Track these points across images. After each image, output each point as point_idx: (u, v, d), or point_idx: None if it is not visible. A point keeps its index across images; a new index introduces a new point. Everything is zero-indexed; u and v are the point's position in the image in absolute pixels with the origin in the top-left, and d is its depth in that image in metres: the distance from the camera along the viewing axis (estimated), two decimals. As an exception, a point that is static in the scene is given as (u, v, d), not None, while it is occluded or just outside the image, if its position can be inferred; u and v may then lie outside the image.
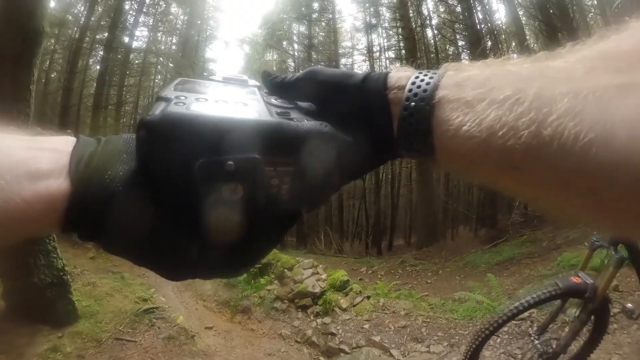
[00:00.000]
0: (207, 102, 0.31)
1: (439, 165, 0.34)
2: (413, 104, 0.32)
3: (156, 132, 0.27)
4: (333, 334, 5.13)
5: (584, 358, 2.63)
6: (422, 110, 0.32)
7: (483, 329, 2.57)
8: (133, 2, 13.34)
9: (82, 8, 13.05)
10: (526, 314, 4.54)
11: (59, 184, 0.28)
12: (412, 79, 0.34)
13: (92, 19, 13.00)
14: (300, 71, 0.40)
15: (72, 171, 0.29)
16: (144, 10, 13.65)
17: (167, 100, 0.31)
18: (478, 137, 0.28)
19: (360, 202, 17.10)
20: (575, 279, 2.34)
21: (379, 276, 8.59)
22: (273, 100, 0.37)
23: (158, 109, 0.29)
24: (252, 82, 0.41)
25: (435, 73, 0.34)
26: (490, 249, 8.85)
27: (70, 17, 13.11)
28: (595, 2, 10.84)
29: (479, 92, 0.29)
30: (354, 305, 5.66)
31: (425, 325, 4.95)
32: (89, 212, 0.28)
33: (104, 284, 5.94)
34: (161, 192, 0.28)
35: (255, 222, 0.29)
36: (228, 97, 0.34)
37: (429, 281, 7.79)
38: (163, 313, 5.20)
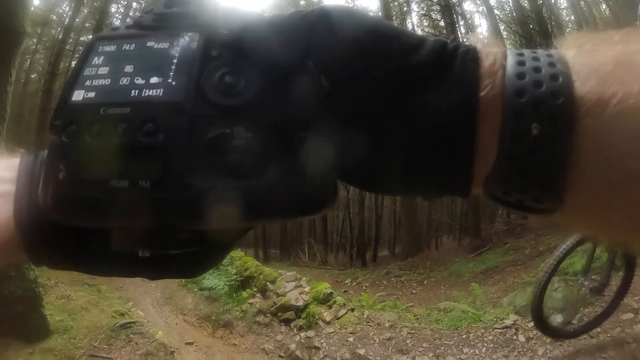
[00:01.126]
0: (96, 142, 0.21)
1: (560, 221, 0.21)
2: (536, 129, 0.17)
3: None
4: (317, 348, 5.07)
5: (619, 300, 3.36)
6: (556, 141, 0.17)
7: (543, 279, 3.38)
8: (120, 6, 13.25)
9: (67, 8, 12.85)
10: (510, 322, 4.62)
11: (10, 235, 0.27)
12: (513, 67, 0.19)
13: (77, 20, 12.79)
14: (305, 12, 0.23)
15: (17, 221, 0.27)
16: (131, 14, 13.43)
17: (54, 154, 0.23)
18: None
19: (344, 213, 17.13)
20: None
21: (364, 288, 8.58)
22: (216, 79, 0.22)
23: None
24: (202, 15, 0.24)
25: (550, 55, 0.20)
26: (474, 258, 8.95)
27: (54, 17, 12.90)
28: (573, 18, 11.38)
29: None
30: (338, 318, 5.60)
31: (410, 336, 4.93)
32: (50, 252, 0.28)
33: (79, 297, 5.73)
34: None
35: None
36: (139, 96, 0.22)
37: (414, 292, 7.81)
38: (141, 328, 5.04)
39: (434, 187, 0.22)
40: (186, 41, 0.23)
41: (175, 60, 0.22)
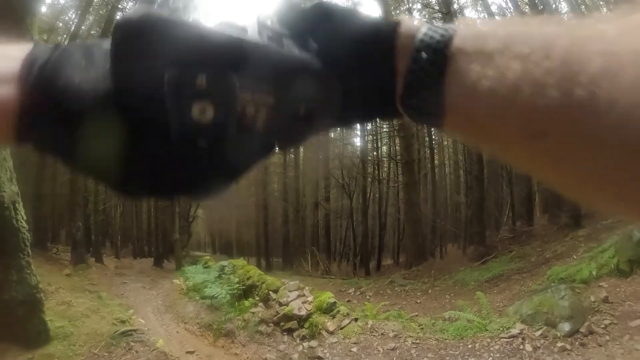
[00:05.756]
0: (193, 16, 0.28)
1: (446, 132, 0.30)
2: (424, 55, 0.27)
3: (130, 33, 0.25)
4: (320, 358, 5.04)
5: None
6: (435, 63, 0.27)
7: None
8: (125, 13, 13.57)
9: (73, 16, 13.11)
10: (517, 331, 4.56)
11: (8, 91, 0.27)
12: (423, 29, 0.29)
13: (83, 27, 13.05)
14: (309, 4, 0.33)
15: (23, 78, 0.27)
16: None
17: (151, 2, 0.27)
18: (499, 95, 0.24)
19: (347, 221, 17.13)
20: None
21: (367, 297, 8.56)
22: (269, 24, 0.31)
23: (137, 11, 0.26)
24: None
25: (449, 25, 0.29)
26: (480, 266, 8.89)
27: (60, 24, 13.14)
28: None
29: (501, 45, 0.25)
30: (342, 328, 5.58)
31: (415, 346, 4.88)
32: (43, 120, 0.27)
33: (80, 304, 5.73)
34: (129, 107, 0.26)
35: (223, 151, 0.27)
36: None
37: (419, 301, 7.77)
38: (142, 336, 5.02)
39: (375, 107, 0.32)
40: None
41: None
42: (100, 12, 13.27)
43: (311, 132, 0.31)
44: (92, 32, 13.57)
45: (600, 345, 3.89)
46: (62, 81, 0.27)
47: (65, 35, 12.71)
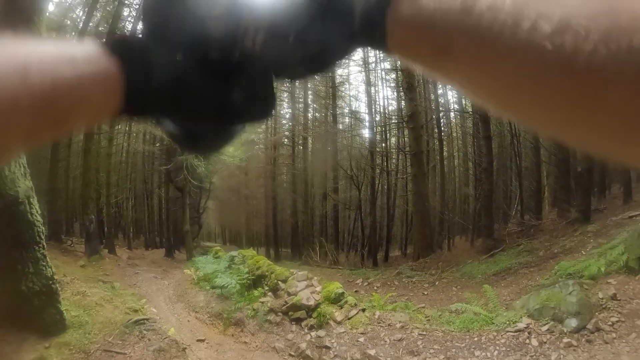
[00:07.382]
0: None
1: (394, 55, 0.35)
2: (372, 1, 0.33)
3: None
4: (327, 348, 5.09)
5: None
6: (380, 3, 0.33)
7: None
8: (132, 9, 13.41)
9: (81, 13, 13.11)
10: (523, 325, 4.55)
11: (106, 64, 0.32)
12: None
13: (90, 24, 13.02)
14: None
15: (116, 50, 0.33)
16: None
17: None
18: (417, 21, 0.30)
19: (355, 212, 17.10)
20: None
21: (375, 288, 8.57)
22: None
23: None
24: None
25: None
26: (487, 259, 8.85)
27: (68, 22, 13.16)
28: None
29: None
30: (349, 318, 5.62)
31: (421, 338, 4.91)
32: (150, 84, 0.33)
33: (94, 294, 5.85)
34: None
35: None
36: None
37: (426, 292, 7.76)
38: (154, 324, 5.11)
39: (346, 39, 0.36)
40: None
41: None
42: (107, 8, 13.21)
43: (299, 60, 0.36)
44: (100, 28, 13.56)
45: (607, 343, 3.87)
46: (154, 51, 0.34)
47: (73, 33, 12.68)
